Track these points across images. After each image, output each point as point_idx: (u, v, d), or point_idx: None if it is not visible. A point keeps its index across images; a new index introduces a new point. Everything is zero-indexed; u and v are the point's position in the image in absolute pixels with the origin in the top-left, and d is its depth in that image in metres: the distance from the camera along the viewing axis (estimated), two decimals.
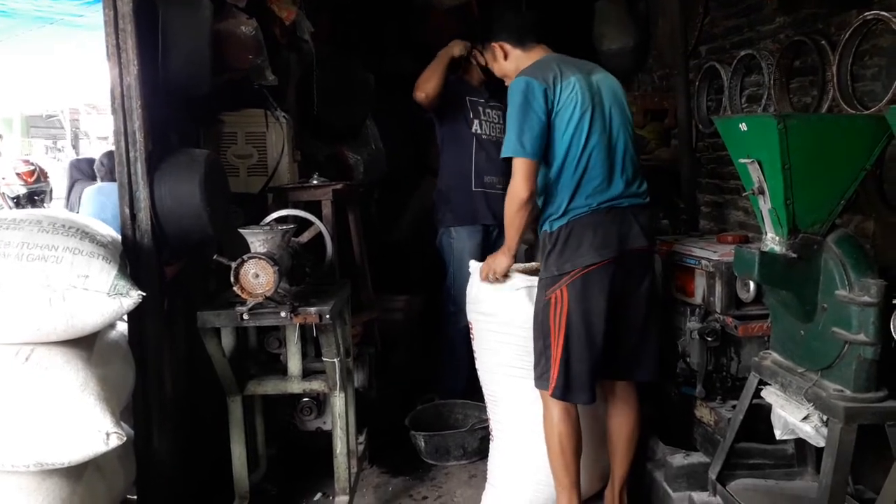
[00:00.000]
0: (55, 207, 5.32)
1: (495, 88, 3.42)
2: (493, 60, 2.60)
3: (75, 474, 1.95)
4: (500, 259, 2.49)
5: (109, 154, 4.16)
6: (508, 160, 2.31)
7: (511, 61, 2.51)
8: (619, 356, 2.37)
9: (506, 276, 2.52)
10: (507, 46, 2.51)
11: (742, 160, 1.94)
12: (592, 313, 2.26)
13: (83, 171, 5.12)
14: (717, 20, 3.41)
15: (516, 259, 2.52)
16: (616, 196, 2.30)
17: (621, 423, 2.45)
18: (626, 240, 2.30)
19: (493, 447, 2.71)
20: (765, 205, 1.92)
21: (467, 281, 2.76)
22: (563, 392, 2.29)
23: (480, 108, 3.50)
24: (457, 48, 3.36)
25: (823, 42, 2.56)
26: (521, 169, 2.26)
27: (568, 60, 2.40)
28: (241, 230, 2.32)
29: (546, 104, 2.26)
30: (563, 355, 2.27)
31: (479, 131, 3.48)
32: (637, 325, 2.36)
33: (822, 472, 1.84)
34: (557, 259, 2.30)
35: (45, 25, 3.94)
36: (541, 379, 2.35)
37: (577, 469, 2.33)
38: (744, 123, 1.93)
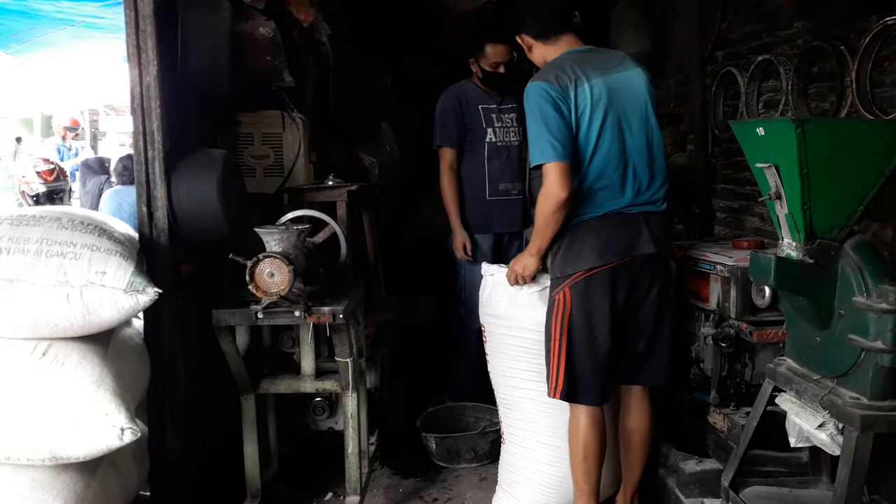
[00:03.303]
0: (73, 205, 5.40)
1: (506, 88, 3.43)
2: (526, 51, 2.47)
3: (90, 469, 1.96)
4: (528, 261, 2.40)
5: (129, 157, 4.22)
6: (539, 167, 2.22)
7: (536, 54, 2.40)
8: (629, 361, 2.36)
9: (534, 278, 2.46)
10: (529, 39, 2.38)
11: (759, 165, 1.92)
12: (594, 316, 2.25)
13: (93, 169, 5.20)
14: (734, 25, 3.39)
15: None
16: (626, 205, 2.27)
17: (634, 428, 2.43)
18: (633, 245, 2.26)
19: (505, 450, 2.70)
20: (781, 210, 1.91)
21: (478, 284, 2.76)
22: (568, 394, 2.27)
23: (494, 116, 3.43)
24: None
25: (842, 47, 2.54)
26: (554, 171, 2.17)
27: (589, 59, 2.29)
28: (256, 230, 2.34)
29: (563, 107, 2.19)
30: (567, 357, 2.26)
31: (492, 139, 3.42)
32: (647, 330, 2.34)
33: (837, 480, 1.82)
34: (561, 262, 2.29)
35: (65, 27, 3.99)
36: (546, 382, 2.33)
37: (598, 476, 2.32)
38: (761, 128, 1.91)
